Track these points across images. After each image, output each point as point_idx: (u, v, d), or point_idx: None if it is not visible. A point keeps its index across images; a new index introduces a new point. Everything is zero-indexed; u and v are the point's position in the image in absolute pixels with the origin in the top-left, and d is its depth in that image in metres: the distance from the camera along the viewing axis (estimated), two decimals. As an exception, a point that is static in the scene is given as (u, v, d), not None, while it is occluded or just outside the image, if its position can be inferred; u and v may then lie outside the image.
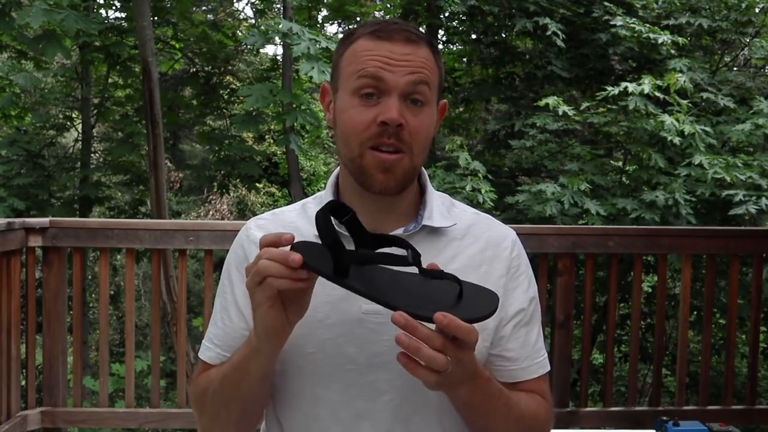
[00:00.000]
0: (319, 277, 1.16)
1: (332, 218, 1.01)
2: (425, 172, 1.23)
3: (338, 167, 1.22)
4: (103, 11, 8.29)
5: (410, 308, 0.93)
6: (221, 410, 1.15)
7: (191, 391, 1.25)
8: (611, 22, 6.21)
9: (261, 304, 0.99)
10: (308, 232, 1.19)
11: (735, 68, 7.68)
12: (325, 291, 1.13)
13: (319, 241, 1.07)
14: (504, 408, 1.08)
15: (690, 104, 5.64)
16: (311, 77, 5.79)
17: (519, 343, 1.19)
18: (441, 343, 0.91)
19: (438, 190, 1.26)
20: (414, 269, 1.01)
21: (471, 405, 1.05)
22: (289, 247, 0.98)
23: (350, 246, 1.03)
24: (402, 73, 1.09)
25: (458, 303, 0.97)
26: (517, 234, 1.26)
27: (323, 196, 1.22)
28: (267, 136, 11.76)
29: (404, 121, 1.09)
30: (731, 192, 5.08)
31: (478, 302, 0.99)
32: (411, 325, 0.90)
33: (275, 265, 0.96)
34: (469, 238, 1.20)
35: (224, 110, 9.51)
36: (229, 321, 1.21)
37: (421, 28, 7.78)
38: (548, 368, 1.24)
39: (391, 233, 1.16)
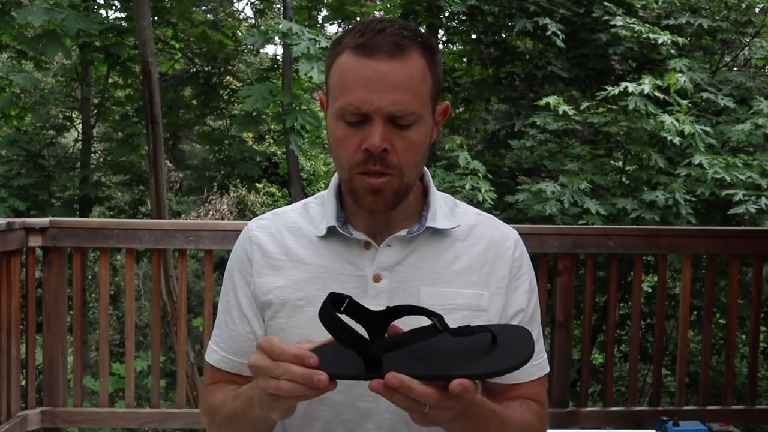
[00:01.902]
0: (314, 274, 1.16)
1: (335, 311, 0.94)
2: (428, 173, 1.22)
3: None
4: (103, 11, 8.30)
5: (428, 366, 0.91)
6: None
7: (202, 399, 1.25)
8: (611, 22, 6.20)
9: (277, 410, 0.97)
10: (310, 232, 1.19)
11: (735, 68, 7.67)
12: (326, 292, 1.13)
13: (322, 241, 1.07)
14: (500, 428, 1.08)
15: (690, 104, 5.64)
16: (311, 77, 5.79)
17: None
18: (436, 399, 0.90)
19: (438, 190, 1.26)
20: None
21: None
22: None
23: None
24: (384, 98, 1.04)
25: (492, 351, 0.95)
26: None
27: (325, 197, 1.22)
28: (267, 136, 11.76)
29: (389, 145, 1.06)
30: (731, 192, 5.08)
31: (513, 346, 0.96)
32: (406, 386, 0.88)
33: (299, 387, 0.90)
34: (472, 239, 1.20)
35: (224, 110, 9.51)
36: (232, 324, 1.22)
37: (421, 28, 7.79)
38: (547, 370, 1.23)
39: (395, 235, 1.16)
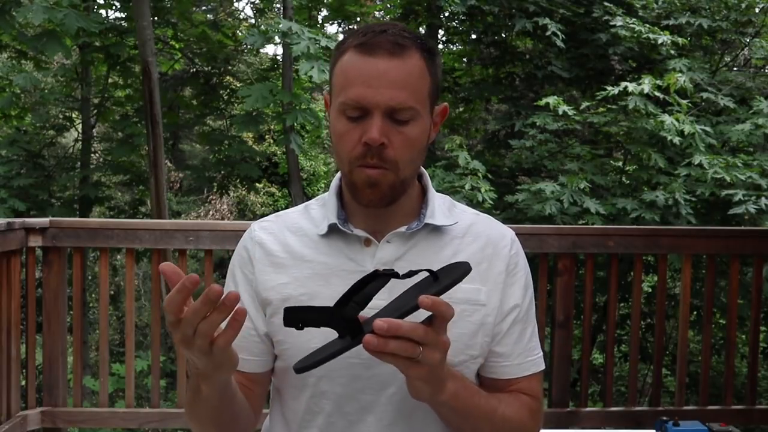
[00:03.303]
0: (315, 270, 1.19)
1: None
2: (426, 173, 1.25)
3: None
4: (103, 11, 8.30)
5: (399, 309, 0.96)
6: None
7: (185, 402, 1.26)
8: (611, 22, 6.21)
9: (222, 367, 0.98)
10: (311, 231, 1.21)
11: (735, 68, 7.68)
12: (330, 289, 1.15)
13: (323, 240, 1.13)
14: (486, 406, 1.10)
15: (690, 104, 5.64)
16: (311, 77, 5.79)
17: (513, 339, 1.20)
18: (423, 332, 0.94)
19: (437, 190, 1.28)
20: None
21: (455, 408, 1.06)
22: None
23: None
24: (384, 93, 1.08)
25: (435, 282, 1.01)
26: (517, 234, 1.28)
27: (326, 198, 1.24)
28: (267, 136, 11.77)
29: (386, 140, 1.09)
30: (731, 192, 5.08)
31: (453, 272, 1.02)
32: (394, 326, 0.92)
33: (215, 314, 0.90)
34: (470, 236, 1.22)
35: (224, 110, 9.51)
36: None
37: (420, 29, 7.78)
38: (542, 367, 1.25)
39: (394, 231, 1.18)
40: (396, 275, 0.99)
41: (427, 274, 1.04)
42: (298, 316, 0.95)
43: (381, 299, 1.05)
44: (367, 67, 1.09)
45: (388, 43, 1.09)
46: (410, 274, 1.01)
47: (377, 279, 0.99)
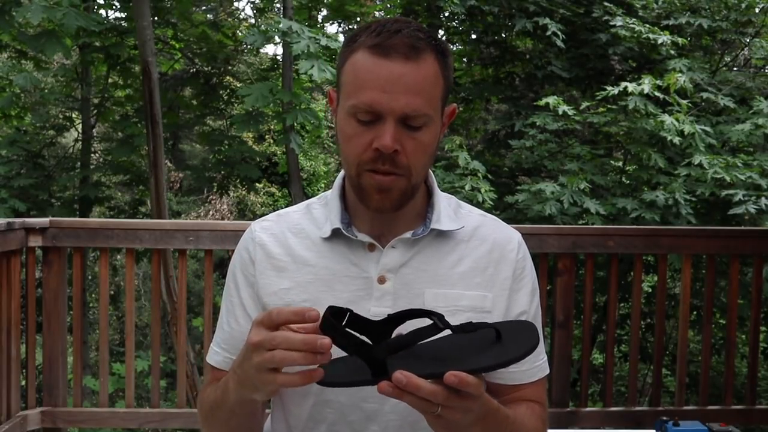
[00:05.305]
0: (318, 275, 1.15)
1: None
2: (432, 175, 1.22)
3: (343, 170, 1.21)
4: (103, 11, 8.30)
5: (436, 366, 0.90)
6: None
7: (199, 403, 1.23)
8: (611, 22, 6.21)
9: (262, 390, 0.96)
10: (314, 233, 1.19)
11: (735, 68, 7.68)
12: (334, 295, 1.14)
13: (326, 243, 1.09)
14: None
15: (690, 104, 5.64)
16: (311, 76, 5.79)
17: None
18: (444, 397, 0.88)
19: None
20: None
21: None
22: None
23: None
24: (399, 99, 1.04)
25: (495, 346, 0.94)
26: None
27: (329, 197, 1.21)
28: (267, 136, 11.77)
29: (400, 146, 1.06)
30: (731, 192, 5.08)
31: (517, 339, 0.95)
32: (413, 385, 0.86)
33: (300, 355, 0.88)
34: (476, 240, 1.20)
35: (224, 111, 9.51)
36: (236, 324, 1.21)
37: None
38: (547, 371, 1.24)
39: (399, 237, 1.16)
40: (451, 328, 0.93)
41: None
42: (332, 330, 0.89)
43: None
44: (381, 71, 1.05)
45: (403, 46, 1.05)
46: (471, 327, 0.95)
47: (431, 320, 0.93)
